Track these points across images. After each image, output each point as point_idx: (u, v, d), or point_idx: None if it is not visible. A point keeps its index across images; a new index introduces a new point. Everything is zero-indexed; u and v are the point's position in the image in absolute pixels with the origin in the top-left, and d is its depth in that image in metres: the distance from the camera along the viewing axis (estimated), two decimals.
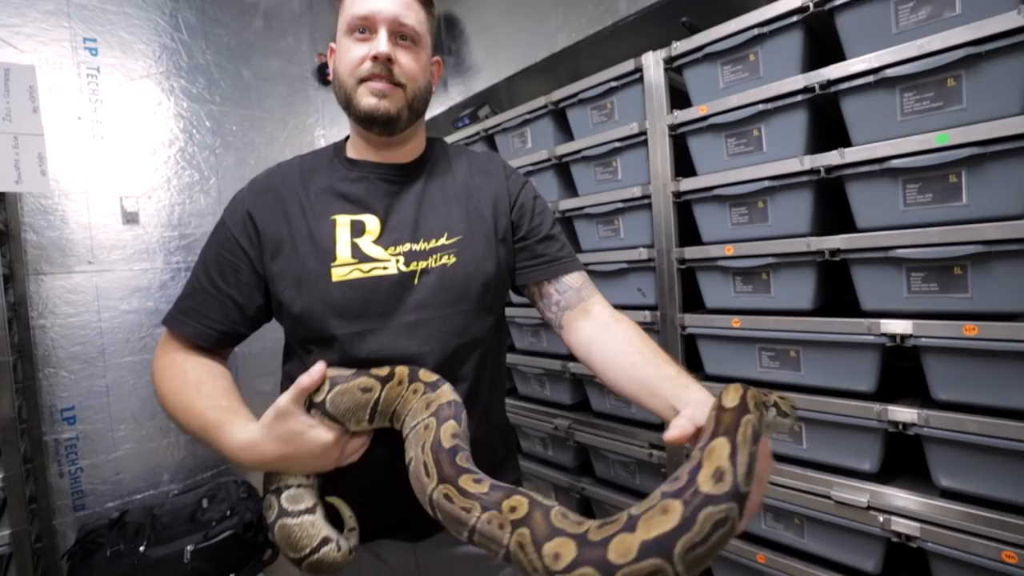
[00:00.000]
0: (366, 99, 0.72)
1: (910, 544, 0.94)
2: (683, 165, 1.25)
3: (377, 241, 0.74)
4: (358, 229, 0.74)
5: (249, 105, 1.85)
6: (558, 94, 1.45)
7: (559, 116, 1.52)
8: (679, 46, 1.18)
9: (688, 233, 1.27)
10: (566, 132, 1.52)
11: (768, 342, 1.12)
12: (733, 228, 1.16)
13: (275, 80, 1.92)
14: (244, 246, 0.75)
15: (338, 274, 0.71)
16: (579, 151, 1.41)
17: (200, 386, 0.71)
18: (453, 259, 0.75)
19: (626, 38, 1.45)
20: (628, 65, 1.28)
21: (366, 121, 0.74)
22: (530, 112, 1.54)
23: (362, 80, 0.72)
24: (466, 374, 0.76)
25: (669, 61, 1.21)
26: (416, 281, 0.73)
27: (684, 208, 1.26)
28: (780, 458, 1.13)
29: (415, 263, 0.73)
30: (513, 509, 0.50)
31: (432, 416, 0.63)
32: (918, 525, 0.93)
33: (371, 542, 0.79)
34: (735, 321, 1.15)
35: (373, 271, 0.72)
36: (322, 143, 2.07)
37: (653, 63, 1.23)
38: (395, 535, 0.79)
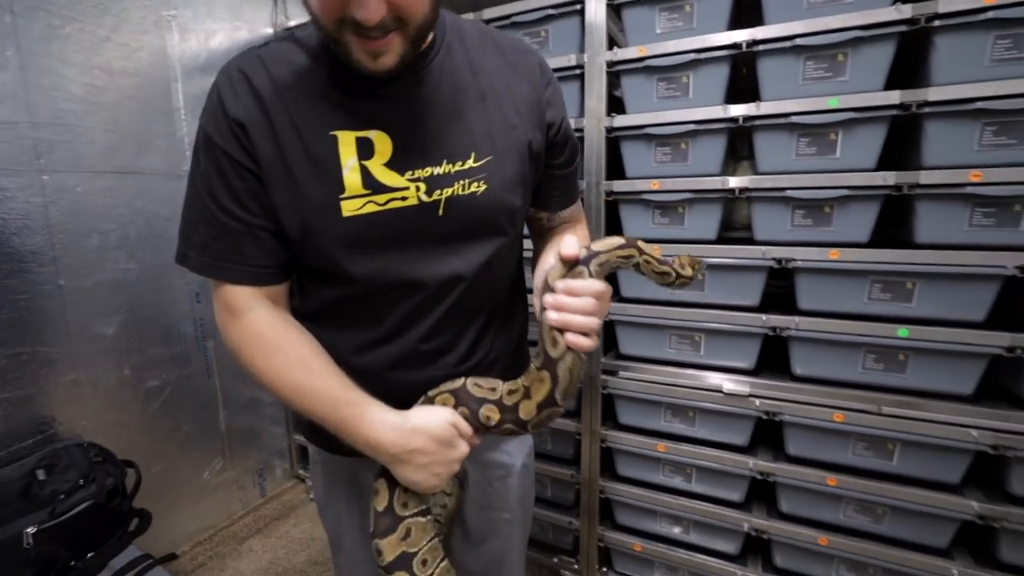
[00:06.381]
0: (359, 57, 0.55)
1: (774, 419, 1.24)
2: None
3: (390, 164, 0.62)
4: (365, 149, 0.61)
5: None
6: (489, 12, 1.39)
7: None
8: None
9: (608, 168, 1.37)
10: None
11: None
12: (657, 165, 1.30)
13: None
14: (247, 165, 0.60)
15: (349, 207, 0.61)
16: None
17: (309, 363, 0.63)
18: (483, 186, 0.65)
19: None
20: None
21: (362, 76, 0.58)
22: None
23: (346, 27, 0.52)
24: (490, 291, 0.74)
25: None
26: (441, 211, 0.64)
27: (610, 144, 1.35)
28: (680, 364, 1.35)
29: (438, 191, 0.63)
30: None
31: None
32: (779, 403, 1.23)
33: None
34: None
35: (391, 203, 0.62)
36: (172, 22, 1.64)
37: None
38: None
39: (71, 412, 1.45)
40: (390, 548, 0.64)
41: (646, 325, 1.36)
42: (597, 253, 0.64)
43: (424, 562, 0.65)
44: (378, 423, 0.61)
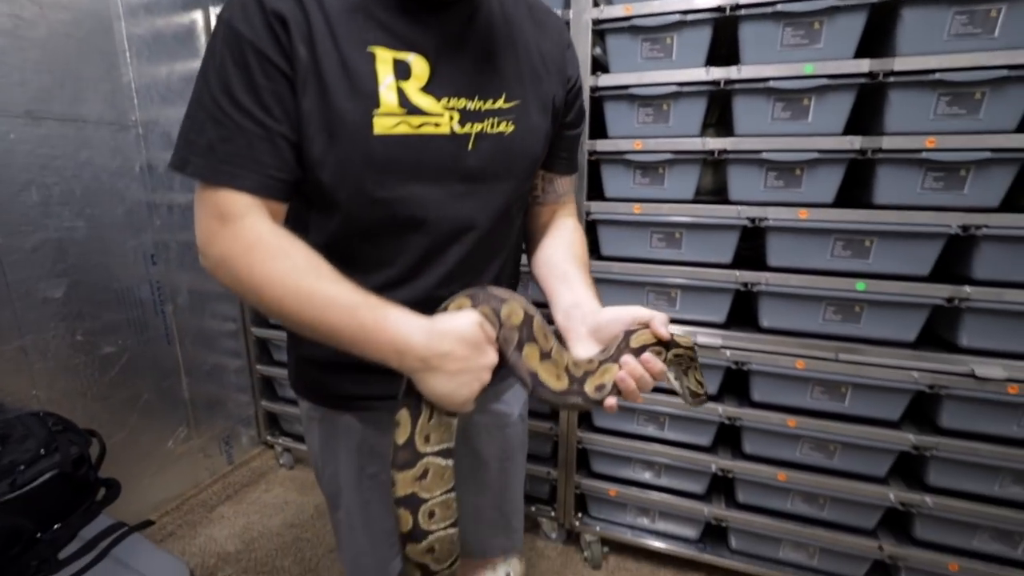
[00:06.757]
0: None
1: (742, 368, 1.34)
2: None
3: (427, 88, 0.61)
4: (403, 71, 0.60)
5: None
6: None
7: None
8: None
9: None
10: None
11: (660, 226, 1.35)
12: (639, 126, 1.33)
13: None
14: (279, 63, 0.55)
15: (382, 126, 0.59)
16: None
17: (319, 268, 0.57)
18: (511, 127, 0.67)
19: None
20: None
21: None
22: None
23: None
24: (503, 242, 0.75)
25: None
26: (471, 146, 0.64)
27: (593, 103, 1.36)
28: None
29: (470, 124, 0.64)
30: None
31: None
32: (748, 353, 1.33)
33: None
34: (636, 208, 1.35)
35: (423, 127, 0.61)
36: None
37: None
38: None
39: (19, 381, 1.35)
40: (404, 483, 0.62)
41: (626, 282, 1.41)
42: (678, 344, 0.66)
43: (431, 514, 0.62)
44: (405, 323, 0.56)
